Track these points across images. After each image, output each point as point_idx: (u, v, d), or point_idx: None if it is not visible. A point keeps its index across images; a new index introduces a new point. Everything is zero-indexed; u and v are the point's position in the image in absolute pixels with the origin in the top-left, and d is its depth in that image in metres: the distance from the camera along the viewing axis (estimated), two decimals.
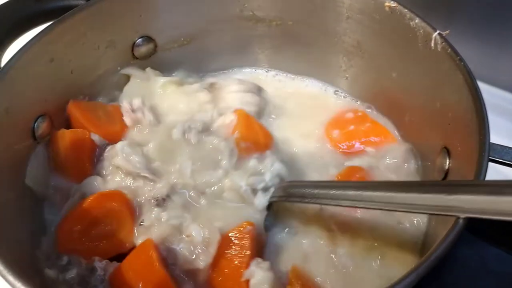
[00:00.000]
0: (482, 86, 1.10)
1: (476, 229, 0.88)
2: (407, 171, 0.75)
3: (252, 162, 0.74)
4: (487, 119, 0.56)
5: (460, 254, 0.84)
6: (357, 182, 0.70)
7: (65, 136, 0.76)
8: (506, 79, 1.12)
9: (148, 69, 0.88)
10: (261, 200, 0.71)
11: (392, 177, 0.75)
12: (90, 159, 0.77)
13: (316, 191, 0.63)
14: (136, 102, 0.82)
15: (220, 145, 0.75)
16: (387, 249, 0.67)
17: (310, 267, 0.66)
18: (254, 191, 0.71)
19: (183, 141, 0.76)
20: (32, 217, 0.70)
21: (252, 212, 0.70)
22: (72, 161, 0.75)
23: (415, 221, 0.70)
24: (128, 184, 0.72)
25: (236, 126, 0.77)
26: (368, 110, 0.86)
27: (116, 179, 0.73)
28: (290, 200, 0.68)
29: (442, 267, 0.79)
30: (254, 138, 0.78)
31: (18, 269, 0.50)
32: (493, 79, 1.12)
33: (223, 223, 0.67)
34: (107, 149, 0.76)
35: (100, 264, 0.64)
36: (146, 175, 0.71)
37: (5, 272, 0.49)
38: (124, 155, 0.72)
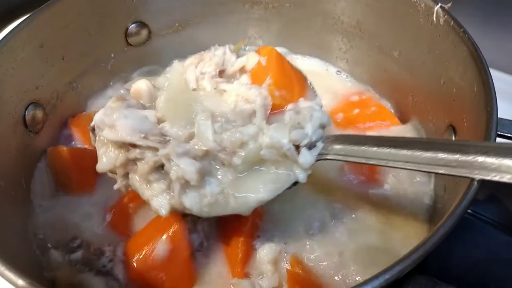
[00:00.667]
0: (502, 76, 1.08)
1: (484, 216, 0.87)
2: None
3: (288, 115, 0.60)
4: (494, 90, 0.54)
5: (469, 241, 0.82)
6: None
7: (64, 154, 0.73)
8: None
9: None
10: (307, 158, 0.57)
11: None
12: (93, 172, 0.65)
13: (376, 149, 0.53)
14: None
15: (249, 93, 0.60)
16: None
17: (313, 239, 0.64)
18: (297, 149, 0.57)
19: (195, 92, 0.61)
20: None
21: (298, 173, 0.57)
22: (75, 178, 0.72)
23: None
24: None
25: (267, 69, 0.62)
26: (369, 92, 0.83)
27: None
28: (346, 159, 0.57)
29: (451, 253, 0.77)
30: (289, 84, 0.63)
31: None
32: (499, 63, 1.09)
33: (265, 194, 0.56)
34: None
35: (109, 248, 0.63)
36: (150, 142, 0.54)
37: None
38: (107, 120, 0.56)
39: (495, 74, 1.06)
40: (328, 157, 0.58)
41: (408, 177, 0.69)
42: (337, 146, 0.58)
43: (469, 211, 0.87)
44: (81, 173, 0.71)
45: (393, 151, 0.51)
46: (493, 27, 1.08)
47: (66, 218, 0.68)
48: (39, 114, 0.74)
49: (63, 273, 0.60)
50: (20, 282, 0.43)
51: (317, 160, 0.58)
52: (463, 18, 1.04)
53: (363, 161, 0.54)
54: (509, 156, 0.42)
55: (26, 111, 0.71)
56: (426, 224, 0.65)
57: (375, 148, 0.53)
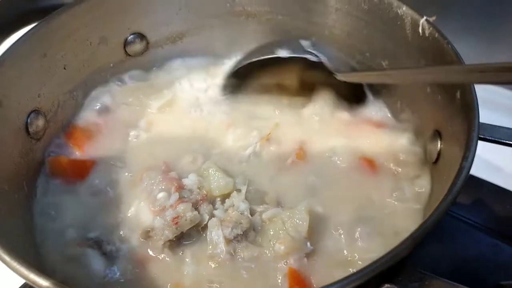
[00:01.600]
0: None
1: (472, 220, 0.91)
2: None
3: None
4: (476, 97, 0.57)
5: (458, 243, 0.85)
6: None
7: (63, 163, 0.77)
8: None
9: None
10: None
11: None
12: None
13: None
14: None
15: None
16: None
17: None
18: None
19: None
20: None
21: None
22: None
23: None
24: None
25: None
26: None
27: None
28: None
29: (440, 255, 0.81)
30: None
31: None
32: None
33: None
34: None
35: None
36: None
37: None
38: None
39: None
40: None
41: None
42: None
43: (455, 215, 0.92)
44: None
45: None
46: (478, 38, 1.13)
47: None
48: (41, 121, 0.76)
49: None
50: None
51: None
52: (449, 29, 1.09)
53: None
54: None
55: (28, 119, 0.73)
56: None
57: None
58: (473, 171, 0.90)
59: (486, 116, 1.01)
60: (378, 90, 0.83)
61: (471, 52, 1.09)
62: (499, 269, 0.82)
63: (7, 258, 0.49)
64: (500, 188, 0.94)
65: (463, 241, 0.87)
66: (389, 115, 0.81)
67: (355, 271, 0.43)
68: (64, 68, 0.79)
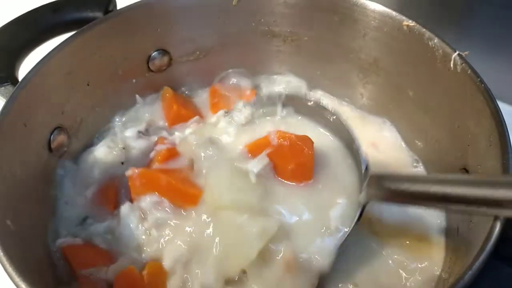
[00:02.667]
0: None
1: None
2: None
3: None
4: (510, 142, 0.56)
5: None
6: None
7: None
8: None
9: None
10: None
11: None
12: None
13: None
14: None
15: None
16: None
17: None
18: None
19: None
20: None
21: None
22: None
23: None
24: None
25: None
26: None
27: None
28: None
29: None
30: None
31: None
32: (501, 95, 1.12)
33: None
34: None
35: None
36: None
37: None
38: None
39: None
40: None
41: None
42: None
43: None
44: None
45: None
46: (501, 60, 1.10)
47: None
48: (63, 138, 0.76)
49: None
50: None
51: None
52: (470, 49, 1.07)
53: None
54: None
55: (52, 136, 0.73)
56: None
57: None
58: None
59: None
60: None
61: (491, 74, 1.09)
62: None
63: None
64: None
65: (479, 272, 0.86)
66: None
67: None
68: (88, 85, 0.79)
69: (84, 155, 0.80)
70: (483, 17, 1.05)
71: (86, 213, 0.73)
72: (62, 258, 0.66)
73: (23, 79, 0.68)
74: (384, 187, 0.60)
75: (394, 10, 0.76)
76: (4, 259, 0.51)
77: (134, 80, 0.87)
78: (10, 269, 0.50)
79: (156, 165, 0.74)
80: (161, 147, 0.77)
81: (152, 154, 0.78)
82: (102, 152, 0.79)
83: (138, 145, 0.81)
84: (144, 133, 0.84)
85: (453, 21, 1.11)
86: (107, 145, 0.80)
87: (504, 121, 0.58)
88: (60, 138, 0.75)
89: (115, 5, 0.84)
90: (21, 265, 0.51)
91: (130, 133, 0.82)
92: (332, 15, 0.82)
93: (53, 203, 0.73)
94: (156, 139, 0.81)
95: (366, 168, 0.63)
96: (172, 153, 0.75)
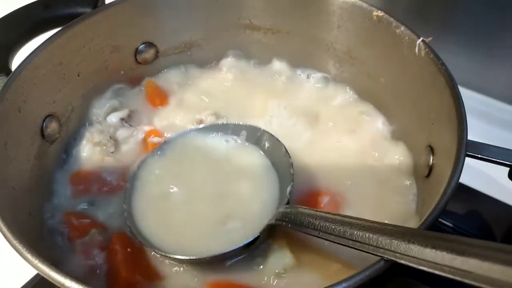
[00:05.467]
0: (472, 94, 1.17)
1: (464, 230, 0.94)
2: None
3: None
4: (465, 116, 0.61)
5: None
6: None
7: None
8: (496, 88, 1.18)
9: None
10: None
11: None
12: None
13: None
14: None
15: None
16: None
17: None
18: None
19: None
20: None
21: None
22: None
23: None
24: None
25: None
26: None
27: None
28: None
29: None
30: None
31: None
32: (485, 88, 1.18)
33: None
34: None
35: None
36: None
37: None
38: None
39: (474, 95, 1.16)
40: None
41: None
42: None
43: (450, 224, 0.95)
44: None
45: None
46: (475, 52, 1.16)
47: None
48: (55, 125, 0.80)
49: None
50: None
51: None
52: (447, 44, 1.13)
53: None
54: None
55: (44, 123, 0.77)
56: None
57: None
58: (469, 183, 0.95)
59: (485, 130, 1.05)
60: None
61: (469, 67, 1.15)
62: None
63: (30, 257, 0.52)
64: (494, 200, 0.97)
65: None
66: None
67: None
68: (78, 75, 0.84)
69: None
70: (466, 13, 1.12)
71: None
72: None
73: (16, 69, 0.72)
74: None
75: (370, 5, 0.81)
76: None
77: (122, 72, 0.91)
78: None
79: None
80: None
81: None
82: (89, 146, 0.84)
83: (122, 132, 0.86)
84: (126, 121, 0.88)
85: (431, 18, 1.17)
86: (94, 133, 0.85)
87: (461, 96, 0.63)
88: (52, 125, 0.79)
89: (103, 1, 0.89)
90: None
91: (114, 119, 0.88)
92: (309, 7, 0.87)
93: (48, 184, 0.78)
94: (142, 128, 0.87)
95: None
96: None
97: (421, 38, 0.73)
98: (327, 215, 0.57)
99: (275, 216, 0.64)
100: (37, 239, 0.69)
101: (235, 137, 0.79)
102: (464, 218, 0.99)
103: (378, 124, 0.85)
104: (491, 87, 1.19)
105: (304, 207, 0.63)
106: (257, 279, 0.64)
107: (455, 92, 0.64)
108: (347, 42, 0.87)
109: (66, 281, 0.48)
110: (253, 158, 0.76)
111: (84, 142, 0.84)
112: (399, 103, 0.81)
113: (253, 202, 0.70)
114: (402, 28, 0.76)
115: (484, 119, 1.13)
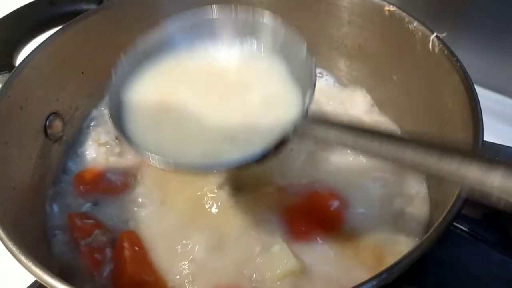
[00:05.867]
0: (487, 93, 1.13)
1: (481, 235, 0.90)
2: None
3: None
4: (481, 116, 0.58)
5: (464, 259, 0.85)
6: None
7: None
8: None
9: None
10: None
11: None
12: None
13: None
14: None
15: None
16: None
17: None
18: None
19: None
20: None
21: None
22: None
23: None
24: None
25: None
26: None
27: None
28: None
29: (447, 271, 0.81)
30: None
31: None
32: (498, 86, 1.14)
33: None
34: None
35: None
36: None
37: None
38: None
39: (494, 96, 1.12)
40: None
41: None
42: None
43: (466, 229, 0.92)
44: None
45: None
46: (491, 50, 1.13)
47: None
48: (59, 124, 0.79)
49: None
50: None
51: None
52: (463, 43, 1.09)
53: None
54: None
55: (47, 121, 0.76)
56: None
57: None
58: None
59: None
60: None
61: (482, 65, 1.11)
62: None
63: (22, 257, 0.51)
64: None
65: (471, 257, 0.87)
66: None
67: None
68: (82, 73, 0.82)
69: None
70: (480, 12, 1.08)
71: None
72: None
73: (18, 66, 0.71)
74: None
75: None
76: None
77: None
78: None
79: None
80: None
81: None
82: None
83: None
84: None
85: (444, 15, 1.14)
86: (100, 133, 0.83)
87: (477, 95, 0.60)
88: (56, 124, 0.78)
89: None
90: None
91: None
92: (317, 2, 0.85)
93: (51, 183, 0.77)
94: None
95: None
96: None
97: (435, 34, 0.70)
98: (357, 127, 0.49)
99: (290, 130, 0.53)
100: (38, 239, 0.68)
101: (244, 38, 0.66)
102: (481, 222, 0.95)
103: (388, 123, 0.82)
104: (508, 86, 1.15)
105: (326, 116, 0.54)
106: None
107: (470, 89, 0.61)
108: (358, 38, 0.84)
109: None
110: (264, 63, 0.65)
111: (89, 141, 0.84)
112: (412, 102, 0.78)
113: (264, 113, 0.59)
114: (415, 24, 0.73)
115: (501, 119, 1.09)
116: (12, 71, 0.71)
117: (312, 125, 0.52)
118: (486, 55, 1.12)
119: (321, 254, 0.65)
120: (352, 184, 0.73)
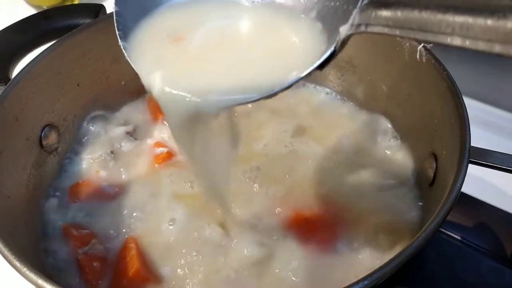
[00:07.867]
0: (480, 105, 1.15)
1: (473, 242, 0.91)
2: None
3: None
4: (468, 121, 0.60)
5: (456, 267, 0.86)
6: None
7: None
8: (502, 98, 1.16)
9: None
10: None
11: None
12: None
13: None
14: None
15: None
16: None
17: None
18: None
19: None
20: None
21: None
22: None
23: None
24: None
25: None
26: None
27: None
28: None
29: (439, 279, 0.81)
30: None
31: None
32: (491, 98, 1.16)
33: None
34: None
35: None
36: None
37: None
38: None
39: (480, 106, 1.14)
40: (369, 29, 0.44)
41: None
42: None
43: (458, 237, 0.92)
44: None
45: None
46: (480, 62, 1.15)
47: None
48: (54, 135, 0.80)
49: None
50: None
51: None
52: (450, 55, 1.11)
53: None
54: None
55: (42, 133, 0.77)
56: None
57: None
58: (477, 194, 0.93)
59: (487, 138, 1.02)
60: None
61: (475, 77, 1.13)
62: None
63: (18, 264, 0.51)
64: (503, 212, 0.95)
65: (463, 264, 0.88)
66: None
67: None
68: (78, 85, 0.83)
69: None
70: None
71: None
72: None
73: (14, 77, 0.72)
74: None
75: None
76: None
77: (123, 82, 0.91)
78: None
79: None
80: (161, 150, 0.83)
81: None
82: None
83: (126, 146, 0.85)
84: (131, 134, 0.88)
85: None
86: (94, 148, 0.84)
87: (463, 102, 0.62)
88: (51, 135, 0.79)
89: (105, 11, 0.89)
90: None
91: (118, 133, 0.87)
92: None
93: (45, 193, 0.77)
94: (146, 141, 0.86)
95: None
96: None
97: (422, 44, 0.71)
98: None
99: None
100: (33, 249, 0.68)
101: None
102: (473, 230, 0.96)
103: (379, 132, 0.83)
104: (497, 97, 1.17)
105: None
106: None
107: (457, 96, 0.63)
108: (348, 50, 0.86)
109: None
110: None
111: (84, 153, 0.84)
112: (402, 110, 0.80)
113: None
114: None
115: (491, 129, 1.11)
116: (8, 82, 0.72)
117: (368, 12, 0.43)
118: (475, 66, 1.14)
119: None
120: None
